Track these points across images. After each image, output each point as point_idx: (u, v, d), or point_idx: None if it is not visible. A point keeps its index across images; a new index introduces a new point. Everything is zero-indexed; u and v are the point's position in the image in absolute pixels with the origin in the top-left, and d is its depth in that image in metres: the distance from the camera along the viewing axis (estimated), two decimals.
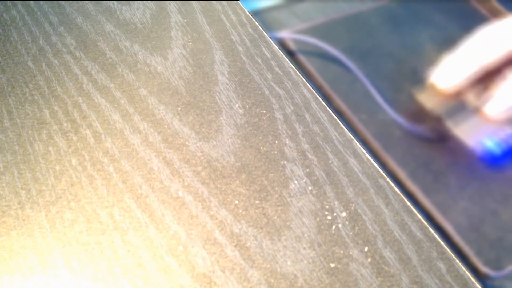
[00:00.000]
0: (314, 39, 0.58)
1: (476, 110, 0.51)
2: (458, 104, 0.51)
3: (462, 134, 0.50)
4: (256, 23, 0.31)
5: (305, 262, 0.22)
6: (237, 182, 0.24)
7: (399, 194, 0.24)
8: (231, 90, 0.28)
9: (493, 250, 0.44)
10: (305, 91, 0.28)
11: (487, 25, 0.55)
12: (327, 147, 0.26)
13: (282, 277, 0.21)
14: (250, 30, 0.31)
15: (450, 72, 0.51)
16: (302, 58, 0.57)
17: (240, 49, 0.30)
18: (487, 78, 0.51)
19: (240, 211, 0.23)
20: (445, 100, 0.52)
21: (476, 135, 0.50)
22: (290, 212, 0.23)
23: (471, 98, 0.51)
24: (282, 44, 0.59)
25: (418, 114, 0.53)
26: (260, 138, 0.26)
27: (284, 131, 0.26)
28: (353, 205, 0.24)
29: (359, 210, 0.23)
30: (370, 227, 0.23)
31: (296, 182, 0.24)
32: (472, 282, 0.22)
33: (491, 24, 0.54)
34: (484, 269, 0.43)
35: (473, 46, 0.52)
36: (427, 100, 0.53)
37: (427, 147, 0.50)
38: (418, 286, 0.21)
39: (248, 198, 0.24)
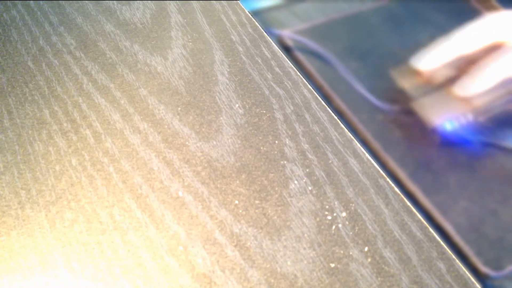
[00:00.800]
0: (309, 41, 0.58)
1: (443, 89, 0.51)
2: (431, 87, 0.52)
3: (421, 109, 0.51)
4: (256, 23, 0.31)
5: (305, 262, 0.22)
6: (237, 182, 0.24)
7: (399, 194, 0.24)
8: (231, 90, 0.28)
9: (493, 250, 0.44)
10: (305, 91, 0.28)
11: (480, 17, 0.55)
12: (327, 147, 0.26)
13: (282, 277, 0.21)
14: (250, 30, 0.31)
15: (430, 55, 0.52)
16: (302, 58, 0.57)
17: (240, 49, 0.30)
18: (467, 67, 0.52)
19: (240, 211, 0.23)
20: (420, 82, 0.53)
21: (437, 112, 0.51)
22: (290, 212, 0.23)
23: (444, 82, 0.51)
24: (282, 44, 0.59)
25: (393, 92, 0.54)
26: (260, 138, 0.26)
27: (284, 131, 0.26)
28: (353, 205, 0.24)
29: (359, 210, 0.23)
30: (370, 227, 0.23)
31: (296, 182, 0.24)
32: (472, 282, 0.22)
33: (483, 16, 0.54)
34: (484, 269, 0.43)
35: (460, 35, 0.52)
36: (399, 77, 0.54)
37: (427, 147, 0.50)
38: (418, 286, 0.21)
39: (248, 198, 0.24)
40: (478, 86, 0.50)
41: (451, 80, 0.51)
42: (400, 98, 0.53)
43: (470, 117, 0.51)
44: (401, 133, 0.51)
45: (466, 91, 0.50)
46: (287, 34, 0.59)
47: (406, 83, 0.54)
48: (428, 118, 0.51)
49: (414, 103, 0.52)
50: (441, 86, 0.51)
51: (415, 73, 0.53)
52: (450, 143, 0.50)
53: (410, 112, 0.52)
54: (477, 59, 0.51)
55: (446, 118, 0.51)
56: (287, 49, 0.59)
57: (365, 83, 0.56)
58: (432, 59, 0.52)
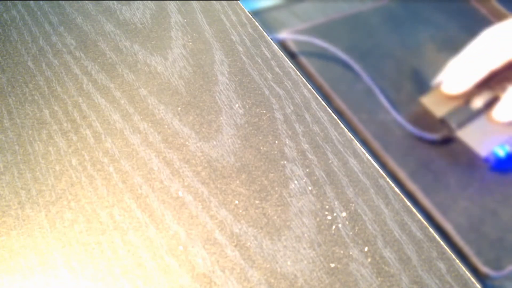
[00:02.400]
0: (316, 39, 0.58)
1: (483, 114, 0.50)
2: (464, 108, 0.51)
3: (467, 138, 0.50)
4: (256, 23, 0.31)
5: (305, 262, 0.22)
6: (237, 182, 0.24)
7: (399, 194, 0.24)
8: (231, 90, 0.28)
9: (493, 250, 0.44)
10: (305, 91, 0.28)
11: (490, 26, 0.54)
12: (327, 147, 0.26)
13: (282, 277, 0.21)
14: (250, 30, 0.31)
15: (455, 76, 0.51)
16: (302, 58, 0.57)
17: (240, 49, 0.30)
18: (492, 80, 0.51)
19: (240, 211, 0.23)
20: (451, 103, 0.52)
21: (483, 139, 0.49)
22: (290, 212, 0.23)
23: (477, 101, 0.50)
24: (282, 44, 0.59)
25: (423, 117, 0.52)
26: (260, 138, 0.26)
27: (284, 131, 0.26)
28: (353, 205, 0.24)
29: (359, 210, 0.23)
30: (370, 227, 0.23)
31: (296, 182, 0.24)
32: (472, 282, 0.22)
33: (493, 26, 0.54)
34: (484, 269, 0.43)
35: (478, 49, 0.51)
36: (432, 104, 0.53)
37: (427, 147, 0.50)
38: (418, 286, 0.21)
39: (248, 198, 0.24)
40: None
41: (489, 102, 0.50)
42: (429, 121, 0.52)
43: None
44: (449, 162, 0.49)
45: (506, 117, 0.49)
46: (288, 35, 0.59)
47: (436, 107, 0.52)
48: (477, 146, 0.50)
49: (458, 132, 0.51)
50: (480, 109, 0.50)
51: (443, 95, 0.52)
52: (505, 169, 0.49)
53: (454, 140, 0.51)
54: (501, 70, 0.50)
55: (496, 143, 0.50)
56: (287, 50, 0.59)
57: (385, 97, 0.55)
58: (459, 79, 0.51)
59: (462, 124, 0.51)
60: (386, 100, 0.54)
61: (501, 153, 0.49)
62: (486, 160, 0.49)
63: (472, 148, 0.50)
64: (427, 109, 0.53)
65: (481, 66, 0.50)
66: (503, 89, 0.50)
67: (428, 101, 0.53)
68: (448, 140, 0.51)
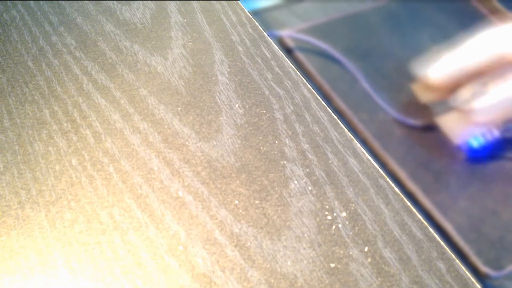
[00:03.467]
0: (314, 39, 0.58)
1: (464, 106, 0.51)
2: (449, 99, 0.52)
3: (445, 125, 0.51)
4: (256, 23, 0.31)
5: (305, 262, 0.22)
6: (237, 182, 0.24)
7: (399, 194, 0.24)
8: (231, 90, 0.28)
9: (493, 250, 0.44)
10: (305, 91, 0.28)
11: (490, 26, 0.55)
12: (327, 147, 0.26)
13: (282, 277, 0.21)
14: (250, 30, 0.31)
15: (444, 67, 0.52)
16: (302, 58, 0.57)
17: (240, 49, 0.30)
18: (485, 78, 0.51)
19: (240, 211, 0.23)
20: (438, 94, 0.52)
21: (460, 129, 0.51)
22: (290, 212, 0.23)
23: (461, 94, 0.51)
24: (282, 44, 0.59)
25: (411, 104, 0.54)
26: (260, 138, 0.26)
27: (284, 131, 0.26)
28: (353, 205, 0.24)
29: (359, 210, 0.23)
30: (370, 227, 0.23)
31: (296, 182, 0.24)
32: (472, 282, 0.22)
33: (493, 26, 0.54)
34: (484, 269, 0.43)
35: (472, 46, 0.52)
36: (420, 90, 0.54)
37: (428, 147, 0.50)
38: (418, 286, 0.21)
39: (248, 198, 0.24)
40: (495, 105, 0.49)
41: (467, 92, 0.51)
42: (416, 108, 0.53)
43: (496, 132, 0.51)
44: (424, 149, 0.51)
45: (483, 113, 0.49)
46: (288, 35, 0.59)
47: (423, 95, 0.54)
48: (453, 135, 0.51)
49: (437, 119, 0.52)
50: (458, 98, 0.51)
51: (430, 84, 0.53)
52: (477, 160, 0.50)
53: (433, 128, 0.52)
54: (491, 69, 0.51)
55: (471, 134, 0.51)
56: (287, 50, 0.59)
57: (373, 87, 0.55)
58: (446, 70, 0.51)
59: (443, 113, 0.52)
60: (380, 97, 0.54)
61: (475, 144, 0.50)
62: (459, 148, 0.51)
63: (448, 135, 0.51)
64: (415, 95, 0.54)
65: (468, 60, 0.51)
66: (493, 86, 0.50)
67: (417, 87, 0.54)
68: (429, 128, 0.52)
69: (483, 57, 0.50)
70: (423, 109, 0.53)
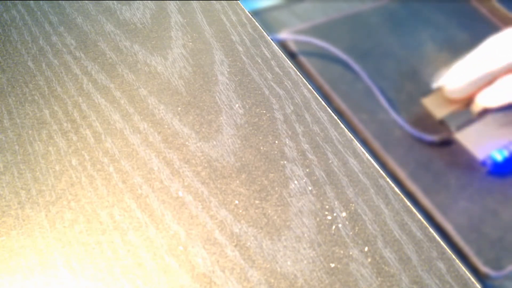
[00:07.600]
0: (316, 39, 0.58)
1: (483, 118, 0.50)
2: (464, 111, 0.51)
3: (466, 141, 0.50)
4: (256, 23, 0.31)
5: (305, 262, 0.22)
6: (237, 182, 0.24)
7: (399, 194, 0.24)
8: (231, 90, 0.28)
9: (493, 250, 0.44)
10: (305, 91, 0.28)
11: (490, 26, 0.55)
12: (327, 147, 0.26)
13: (282, 277, 0.21)
14: (250, 30, 0.31)
15: (459, 81, 0.51)
16: (302, 58, 0.57)
17: (240, 49, 0.30)
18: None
19: (240, 211, 0.23)
20: (452, 106, 0.52)
21: (481, 142, 0.49)
22: (290, 212, 0.23)
23: (477, 105, 0.50)
24: (282, 44, 0.59)
25: (423, 118, 0.53)
26: (260, 138, 0.26)
27: (284, 131, 0.26)
28: (353, 205, 0.24)
29: (359, 210, 0.23)
30: (370, 227, 0.23)
31: (296, 182, 0.24)
32: (472, 282, 0.22)
33: (500, 32, 0.54)
34: (484, 269, 0.43)
35: (482, 56, 0.51)
36: (433, 106, 0.53)
37: (427, 148, 0.50)
38: (418, 286, 0.21)
39: (248, 198, 0.24)
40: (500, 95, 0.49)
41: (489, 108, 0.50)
42: (429, 122, 0.52)
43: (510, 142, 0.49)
44: (447, 164, 0.49)
45: (488, 102, 0.49)
46: (288, 35, 0.59)
47: (437, 109, 0.53)
48: (475, 149, 0.50)
49: (457, 134, 0.51)
50: (481, 113, 0.50)
51: (446, 98, 0.52)
52: (501, 173, 0.49)
53: (453, 143, 0.51)
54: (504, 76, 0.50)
55: (494, 147, 0.50)
56: (287, 50, 0.59)
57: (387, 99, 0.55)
58: (462, 83, 0.51)
59: (461, 126, 0.51)
60: (386, 100, 0.54)
61: (499, 157, 0.49)
62: (483, 163, 0.49)
63: (470, 151, 0.50)
64: (428, 110, 0.53)
65: (484, 72, 0.50)
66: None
67: (429, 102, 0.54)
68: (447, 142, 0.51)
69: (497, 64, 0.50)
70: (438, 123, 0.52)
